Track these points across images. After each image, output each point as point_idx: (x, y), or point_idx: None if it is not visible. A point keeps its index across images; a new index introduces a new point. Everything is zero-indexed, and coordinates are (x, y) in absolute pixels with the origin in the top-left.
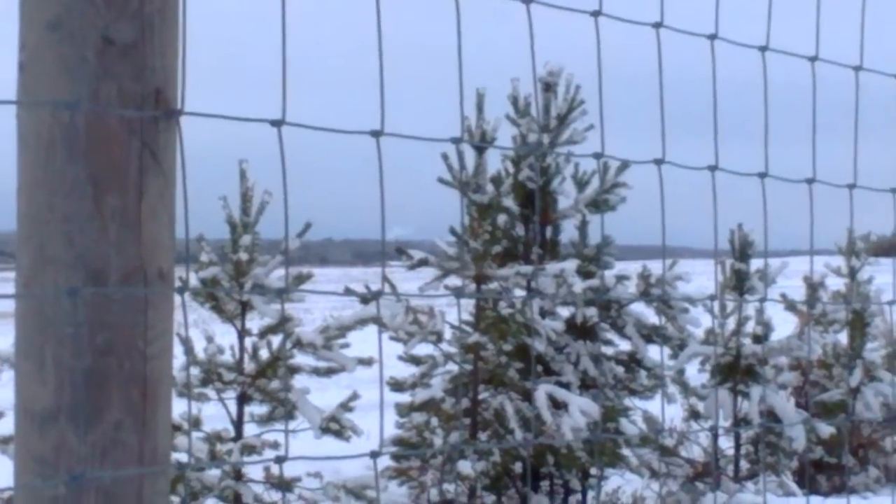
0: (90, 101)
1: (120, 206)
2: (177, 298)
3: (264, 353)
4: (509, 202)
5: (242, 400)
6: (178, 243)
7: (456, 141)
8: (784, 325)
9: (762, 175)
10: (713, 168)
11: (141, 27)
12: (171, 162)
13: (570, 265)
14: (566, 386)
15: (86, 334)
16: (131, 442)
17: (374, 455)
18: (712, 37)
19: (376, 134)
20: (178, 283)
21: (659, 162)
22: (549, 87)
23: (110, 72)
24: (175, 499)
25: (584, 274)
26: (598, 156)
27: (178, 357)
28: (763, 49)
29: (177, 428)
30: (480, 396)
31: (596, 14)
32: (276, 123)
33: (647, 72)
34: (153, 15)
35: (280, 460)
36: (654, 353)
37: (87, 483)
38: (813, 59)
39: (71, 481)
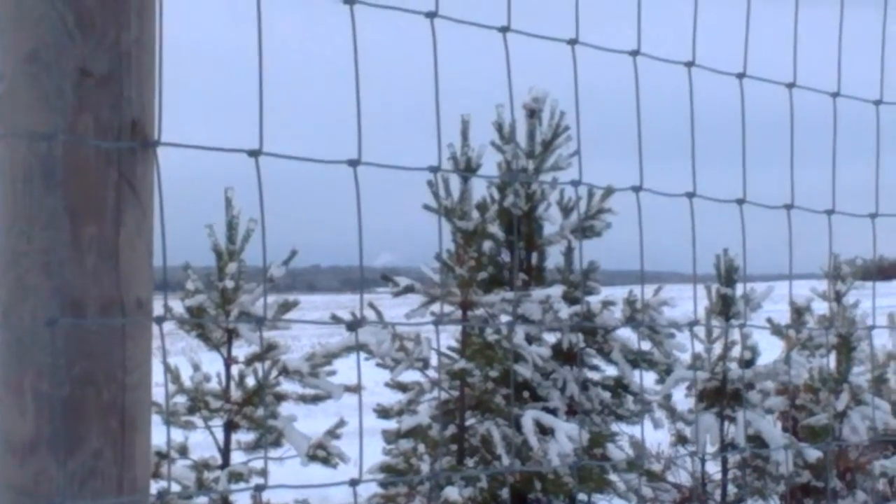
0: (67, 132)
1: (97, 237)
2: (163, 327)
3: (251, 381)
4: (495, 228)
5: (229, 427)
6: (159, 272)
7: (434, 170)
8: (770, 350)
9: (740, 201)
10: (691, 195)
11: (118, 58)
12: (149, 192)
13: (556, 291)
14: (553, 412)
15: (64, 364)
16: (110, 471)
17: (354, 483)
18: (689, 64)
19: (353, 163)
20: (159, 312)
21: (637, 189)
22: (533, 114)
23: (87, 103)
24: None
25: (570, 300)
26: (576, 183)
27: (161, 385)
28: (741, 76)
29: (163, 456)
30: (467, 423)
31: (573, 42)
32: (254, 153)
33: (628, 97)
34: (130, 46)
35: (259, 488)
36: (641, 378)
37: None
38: (791, 85)
39: None
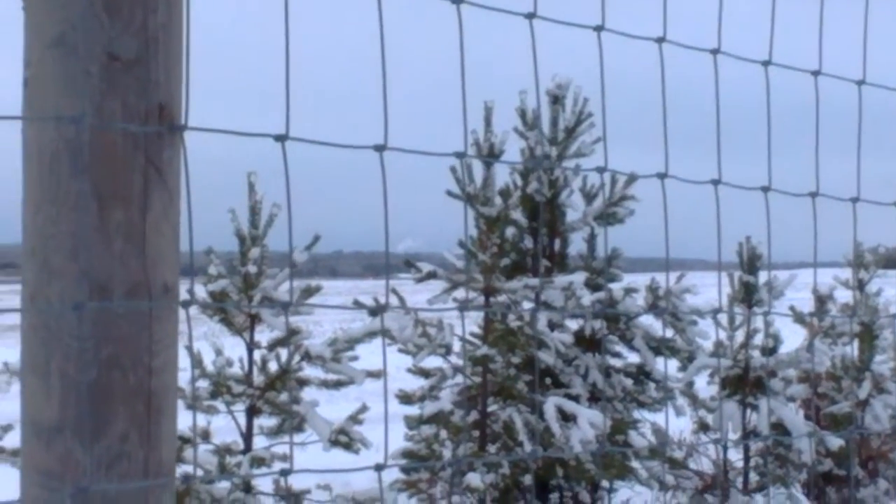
0: (94, 116)
1: (124, 221)
2: (189, 314)
3: (273, 366)
4: (517, 215)
5: (251, 412)
6: (184, 256)
7: (460, 155)
8: (793, 338)
9: (765, 189)
10: (716, 182)
11: (145, 42)
12: (176, 176)
13: (579, 278)
14: (575, 398)
15: (91, 348)
16: (136, 455)
17: (379, 468)
18: (715, 51)
19: (380, 148)
20: (185, 297)
21: (662, 176)
22: (556, 100)
23: (114, 87)
24: None
25: (593, 286)
26: (601, 170)
27: (187, 370)
28: (766, 63)
29: (186, 440)
30: (489, 409)
31: (599, 29)
32: (280, 138)
33: (653, 85)
34: (157, 30)
35: (285, 473)
36: (663, 365)
37: (92, 495)
38: (816, 73)
39: (77, 494)
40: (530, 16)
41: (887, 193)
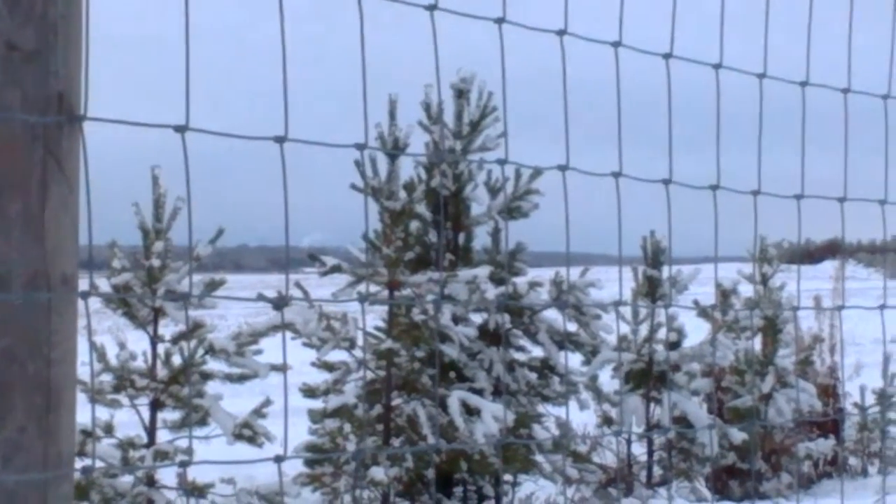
0: None
1: (23, 211)
2: (89, 304)
3: (177, 360)
4: (422, 209)
5: (155, 406)
6: (86, 249)
7: (360, 147)
8: (697, 332)
9: (666, 182)
10: (617, 174)
11: (45, 33)
12: (75, 167)
13: (483, 272)
14: (479, 392)
15: None
16: (35, 447)
17: (279, 460)
18: (616, 44)
19: (280, 140)
20: (85, 289)
21: (563, 168)
22: (461, 94)
23: (13, 77)
24: None
25: (497, 280)
26: (502, 162)
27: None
28: (667, 56)
29: (88, 434)
30: (393, 403)
31: (500, 21)
32: (180, 129)
33: (556, 78)
34: (57, 21)
35: (184, 464)
36: (568, 359)
37: None
38: (717, 66)
39: None
40: (431, 8)
41: (790, 188)
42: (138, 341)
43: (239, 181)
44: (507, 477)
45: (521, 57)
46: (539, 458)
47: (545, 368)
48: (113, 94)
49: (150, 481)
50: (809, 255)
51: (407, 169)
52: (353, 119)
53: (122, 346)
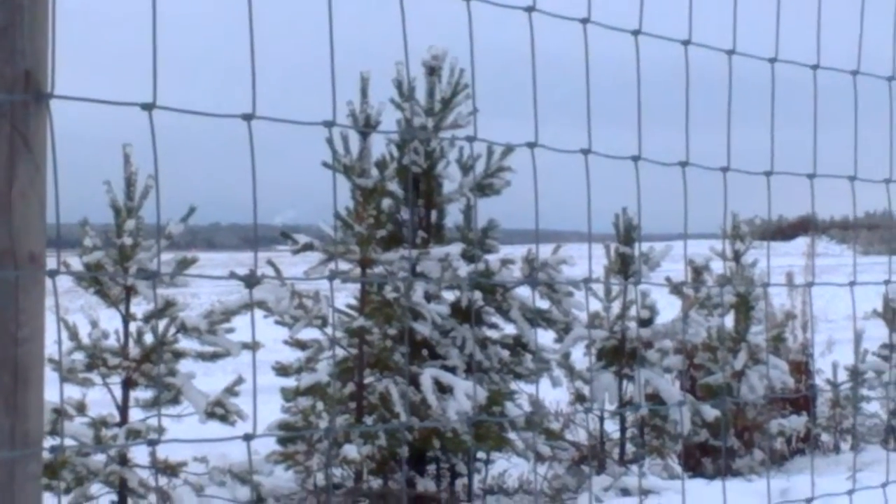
0: None
1: None
2: (61, 284)
3: (149, 338)
4: (394, 186)
5: (127, 385)
6: (56, 228)
7: (328, 124)
8: (669, 309)
9: (636, 158)
10: (586, 151)
11: (11, 11)
12: (42, 145)
13: (455, 249)
14: (451, 370)
15: None
16: (3, 425)
17: (248, 438)
18: (585, 20)
19: (248, 117)
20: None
21: (532, 145)
22: (433, 71)
23: None
24: (61, 484)
25: (469, 258)
26: (471, 139)
27: (64, 342)
28: (636, 33)
29: (60, 412)
30: (366, 381)
31: None
32: (147, 107)
33: (526, 55)
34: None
35: (153, 443)
36: (540, 336)
37: None
38: (686, 42)
39: None
40: None
41: (760, 164)
42: (110, 320)
43: (212, 160)
44: (480, 454)
45: (493, 33)
46: (512, 435)
47: (517, 346)
48: (84, 72)
49: (123, 460)
50: (782, 231)
51: (379, 146)
52: (326, 96)
53: (94, 324)
